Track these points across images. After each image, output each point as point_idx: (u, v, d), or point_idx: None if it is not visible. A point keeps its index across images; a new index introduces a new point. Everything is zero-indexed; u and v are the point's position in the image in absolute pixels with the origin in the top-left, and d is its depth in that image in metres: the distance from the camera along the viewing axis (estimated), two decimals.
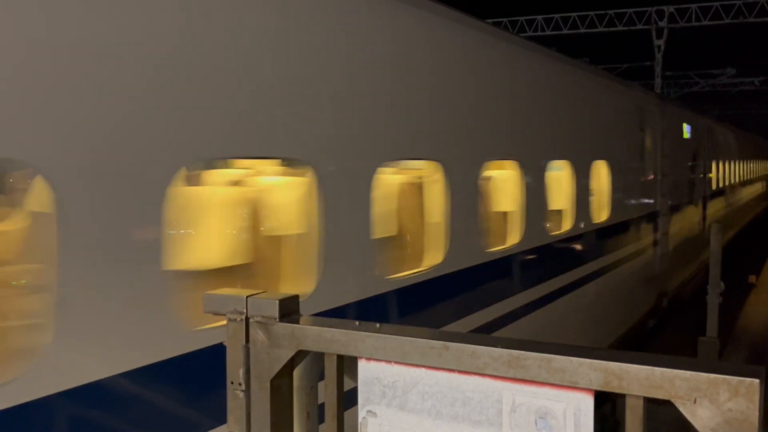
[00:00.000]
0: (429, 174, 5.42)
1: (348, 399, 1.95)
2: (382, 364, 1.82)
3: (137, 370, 3.11)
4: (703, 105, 44.45)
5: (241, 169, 4.38)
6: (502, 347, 1.67)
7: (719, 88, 43.47)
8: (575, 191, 8.08)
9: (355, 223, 4.39)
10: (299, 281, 4.16)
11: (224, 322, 1.97)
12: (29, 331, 3.08)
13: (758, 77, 42.96)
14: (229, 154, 3.73)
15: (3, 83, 2.65)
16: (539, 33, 32.18)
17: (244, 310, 1.96)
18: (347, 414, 1.95)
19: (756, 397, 1.45)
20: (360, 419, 1.86)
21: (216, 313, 2.00)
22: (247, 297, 1.96)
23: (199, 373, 3.37)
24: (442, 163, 5.32)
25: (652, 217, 11.85)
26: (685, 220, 14.95)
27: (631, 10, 32.09)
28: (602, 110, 9.82)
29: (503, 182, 6.82)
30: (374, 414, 1.84)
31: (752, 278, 17.21)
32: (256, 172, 4.48)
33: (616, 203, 9.68)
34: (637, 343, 11.23)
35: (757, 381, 1.44)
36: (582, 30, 32.36)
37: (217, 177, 4.35)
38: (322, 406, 1.97)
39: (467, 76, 5.94)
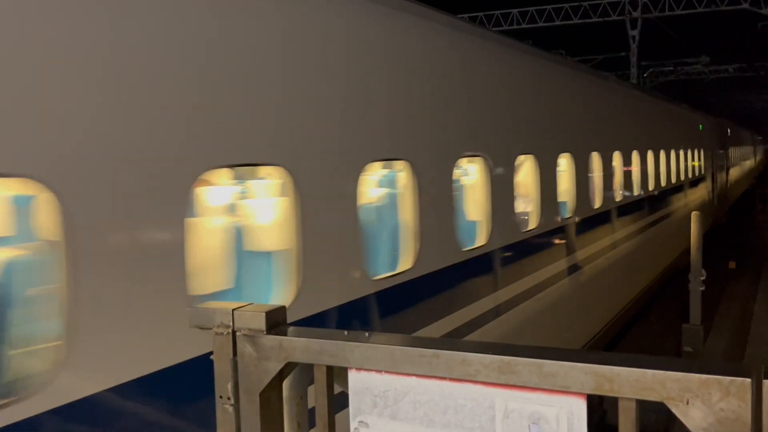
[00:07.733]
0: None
1: (340, 404, 1.93)
2: (373, 373, 1.80)
3: None
4: (679, 94, 44.76)
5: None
6: (492, 353, 1.66)
7: (695, 77, 43.86)
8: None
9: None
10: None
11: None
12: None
13: (732, 64, 43.42)
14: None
15: None
16: (515, 26, 32.29)
17: (231, 324, 1.93)
18: (340, 418, 1.93)
19: (747, 396, 1.45)
20: (352, 430, 1.84)
21: (202, 328, 1.96)
22: (233, 310, 1.93)
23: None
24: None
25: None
26: None
27: (606, 0, 32.27)
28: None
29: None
30: (366, 424, 1.82)
31: (732, 264, 17.42)
32: None
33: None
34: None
35: (748, 380, 1.44)
36: (557, 22, 32.51)
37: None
38: (312, 411, 1.95)
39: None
